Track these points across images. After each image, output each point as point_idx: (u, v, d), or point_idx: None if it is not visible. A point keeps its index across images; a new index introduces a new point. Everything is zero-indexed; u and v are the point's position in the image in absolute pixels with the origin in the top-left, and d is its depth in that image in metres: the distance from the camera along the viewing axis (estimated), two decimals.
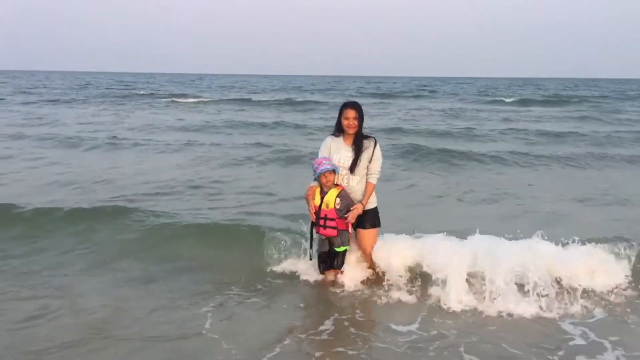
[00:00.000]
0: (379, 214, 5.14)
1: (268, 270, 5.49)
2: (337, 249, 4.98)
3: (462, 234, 5.29)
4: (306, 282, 5.20)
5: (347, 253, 5.07)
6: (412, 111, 28.83)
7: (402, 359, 3.83)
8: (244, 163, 11.94)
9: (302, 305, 4.79)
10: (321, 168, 4.82)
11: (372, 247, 5.10)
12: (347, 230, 4.95)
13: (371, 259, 5.13)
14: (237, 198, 8.51)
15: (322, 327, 4.31)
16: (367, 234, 5.06)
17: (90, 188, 8.99)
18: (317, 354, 3.90)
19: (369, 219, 5.03)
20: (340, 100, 35.29)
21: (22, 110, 25.66)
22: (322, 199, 4.87)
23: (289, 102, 35.27)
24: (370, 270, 5.24)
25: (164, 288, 5.04)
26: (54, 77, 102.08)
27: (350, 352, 3.91)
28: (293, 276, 5.34)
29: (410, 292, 4.93)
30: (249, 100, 37.60)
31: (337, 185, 4.92)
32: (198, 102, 35.15)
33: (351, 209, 4.85)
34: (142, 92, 46.08)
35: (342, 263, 5.09)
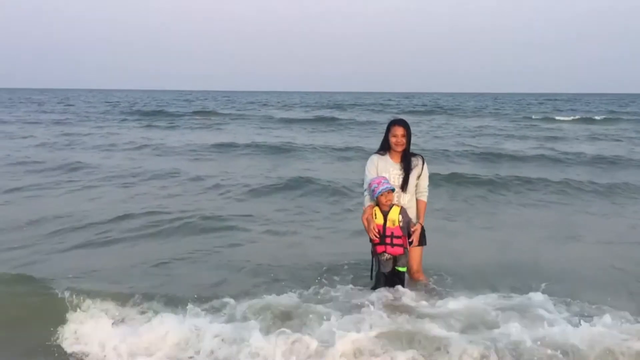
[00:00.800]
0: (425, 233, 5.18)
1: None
2: (400, 269, 5.03)
3: None
4: None
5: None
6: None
7: None
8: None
9: None
10: (381, 187, 4.85)
11: (418, 265, 5.22)
12: (408, 248, 4.99)
13: (416, 276, 5.23)
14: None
15: None
16: (414, 251, 5.15)
17: None
18: None
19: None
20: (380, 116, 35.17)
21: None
22: (384, 217, 4.91)
23: (320, 120, 34.26)
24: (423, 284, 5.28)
25: None
26: (83, 94, 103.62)
27: None
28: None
29: None
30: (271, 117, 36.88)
31: (394, 204, 4.97)
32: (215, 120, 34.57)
33: (412, 230, 4.97)
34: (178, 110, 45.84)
35: (403, 283, 5.09)
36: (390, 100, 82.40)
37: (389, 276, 5.04)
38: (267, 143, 19.30)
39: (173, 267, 6.11)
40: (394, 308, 4.65)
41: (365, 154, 15.69)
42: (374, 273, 5.13)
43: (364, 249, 5.89)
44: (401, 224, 4.90)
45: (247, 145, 18.76)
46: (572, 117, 37.49)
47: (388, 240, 4.90)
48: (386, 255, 4.96)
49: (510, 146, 19.72)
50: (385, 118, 36.21)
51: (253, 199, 10.02)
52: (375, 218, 4.94)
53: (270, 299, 4.84)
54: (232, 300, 4.81)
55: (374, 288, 5.06)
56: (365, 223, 4.96)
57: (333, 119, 34.70)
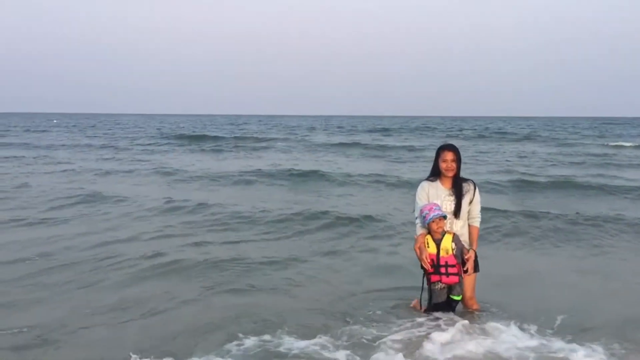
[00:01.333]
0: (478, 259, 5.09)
1: None
2: (455, 298, 4.95)
3: None
4: None
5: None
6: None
7: None
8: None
9: None
10: (432, 214, 4.77)
11: (472, 292, 5.13)
12: (463, 276, 4.91)
13: (470, 303, 5.16)
14: None
15: None
16: (468, 278, 5.04)
17: None
18: None
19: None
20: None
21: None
22: (437, 246, 4.83)
23: (362, 145, 33.63)
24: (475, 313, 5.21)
25: None
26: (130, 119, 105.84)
27: None
28: None
29: None
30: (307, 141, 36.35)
31: (446, 231, 4.87)
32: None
33: (466, 258, 4.85)
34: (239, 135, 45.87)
35: (454, 310, 5.07)
36: (440, 124, 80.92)
37: (441, 305, 5.00)
38: (303, 169, 18.78)
39: (194, 305, 5.80)
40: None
41: (404, 182, 15.12)
42: (425, 302, 5.11)
43: (393, 283, 6.04)
44: (454, 251, 4.81)
45: (286, 171, 18.35)
46: (631, 144, 35.23)
47: (443, 269, 4.82)
48: (440, 285, 4.88)
49: (557, 172, 18.86)
50: (430, 142, 35.24)
51: (285, 231, 9.46)
52: (428, 247, 4.84)
53: (291, 341, 4.68)
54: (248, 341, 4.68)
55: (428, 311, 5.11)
56: (418, 252, 4.88)
57: (375, 144, 34.21)
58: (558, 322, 5.15)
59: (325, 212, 10.56)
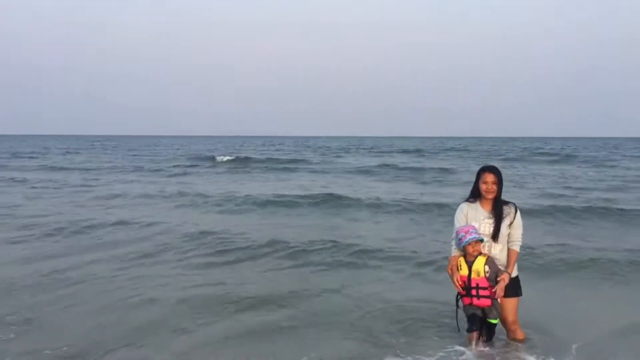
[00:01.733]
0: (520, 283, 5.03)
1: None
2: (492, 321, 4.85)
3: None
4: None
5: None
6: None
7: None
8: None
9: None
10: (469, 237, 4.73)
11: (514, 316, 4.99)
12: (498, 299, 4.77)
13: (513, 328, 5.02)
14: None
15: None
16: (507, 302, 4.91)
17: None
18: None
19: (511, 287, 4.81)
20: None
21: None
22: (469, 268, 4.78)
23: (396, 167, 33.10)
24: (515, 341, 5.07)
25: None
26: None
27: None
28: None
29: None
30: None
31: (481, 253, 4.80)
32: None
33: (498, 279, 4.73)
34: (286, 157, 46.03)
35: (493, 334, 4.96)
36: (478, 144, 79.79)
37: (475, 326, 4.88)
38: (331, 193, 18.17)
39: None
40: None
41: (435, 207, 14.55)
42: (459, 322, 5.04)
43: (422, 313, 6.18)
44: (487, 274, 4.72)
45: (314, 195, 17.77)
46: None
47: (474, 292, 4.75)
48: (473, 308, 4.83)
49: (597, 195, 18.09)
50: (465, 165, 34.40)
51: (312, 259, 9.07)
52: (460, 269, 4.82)
53: None
54: None
55: (468, 331, 4.95)
56: (450, 273, 4.88)
57: (409, 166, 33.65)
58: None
59: (352, 241, 10.17)
